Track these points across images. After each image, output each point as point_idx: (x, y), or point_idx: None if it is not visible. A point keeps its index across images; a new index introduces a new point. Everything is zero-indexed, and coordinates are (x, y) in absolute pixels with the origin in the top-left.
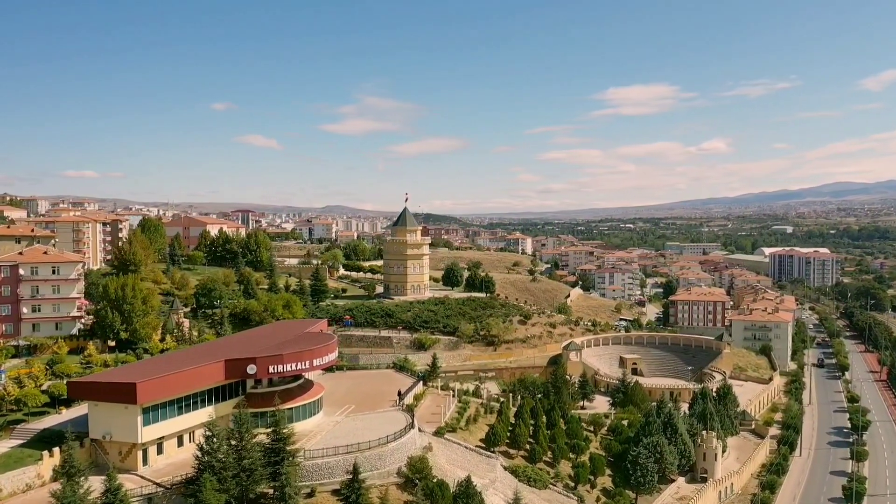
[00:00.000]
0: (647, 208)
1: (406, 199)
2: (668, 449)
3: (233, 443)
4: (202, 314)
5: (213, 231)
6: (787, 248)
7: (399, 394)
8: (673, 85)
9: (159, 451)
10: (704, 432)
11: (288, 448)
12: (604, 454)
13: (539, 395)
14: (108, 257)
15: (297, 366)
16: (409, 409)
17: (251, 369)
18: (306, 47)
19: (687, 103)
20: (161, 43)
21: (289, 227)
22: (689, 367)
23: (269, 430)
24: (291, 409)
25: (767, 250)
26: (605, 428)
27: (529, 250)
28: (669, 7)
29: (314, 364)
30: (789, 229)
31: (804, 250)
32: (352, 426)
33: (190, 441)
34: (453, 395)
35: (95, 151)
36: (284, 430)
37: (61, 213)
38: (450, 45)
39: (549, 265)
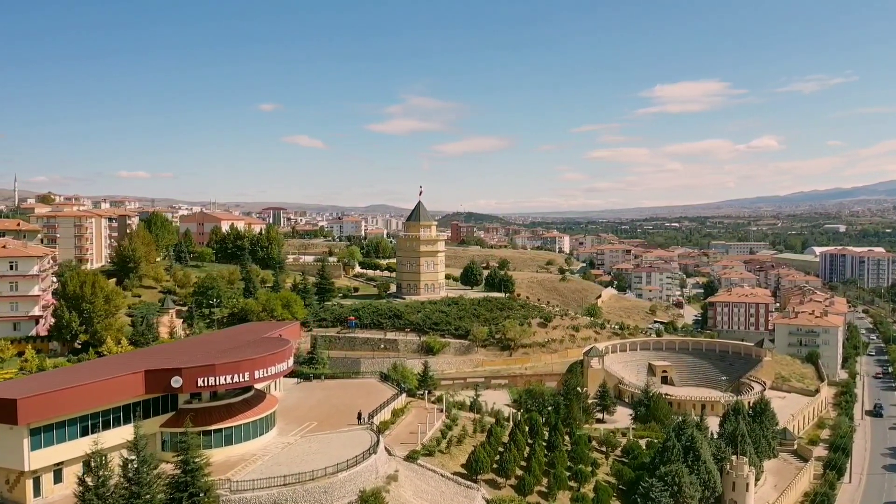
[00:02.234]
0: (695, 207)
1: (420, 193)
2: (688, 479)
3: (131, 475)
4: (200, 314)
5: (226, 227)
6: (840, 247)
7: (359, 416)
8: (723, 81)
9: (57, 480)
10: (734, 457)
11: (203, 479)
12: (614, 481)
13: (549, 408)
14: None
15: (233, 378)
16: (377, 429)
17: (176, 382)
18: (353, 48)
19: (737, 100)
20: (210, 44)
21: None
22: (724, 377)
23: (177, 457)
24: (231, 428)
25: (818, 249)
26: (620, 449)
27: (567, 249)
28: (719, 2)
29: (257, 376)
30: (842, 228)
31: (858, 249)
32: (305, 449)
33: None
34: (441, 410)
35: (147, 152)
36: (197, 459)
37: (63, 207)
38: (495, 46)
39: (584, 264)
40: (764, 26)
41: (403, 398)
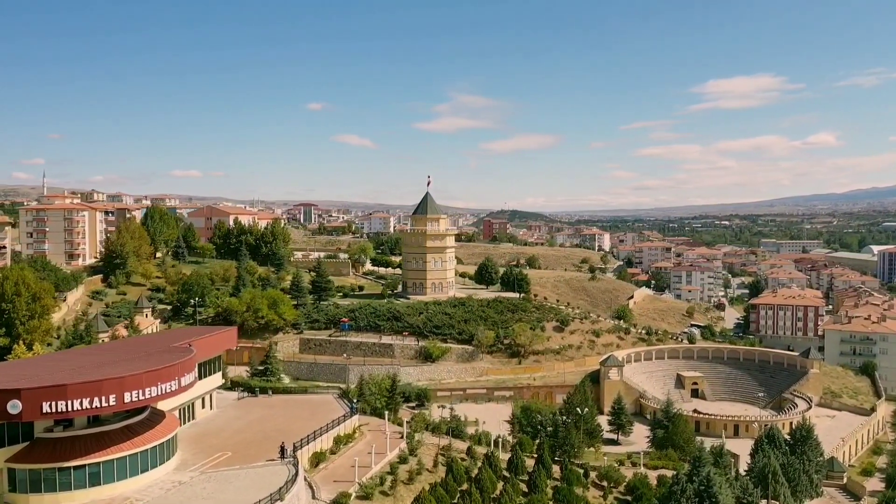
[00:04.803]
0: (747, 205)
1: (428, 184)
2: None
3: None
4: (185, 314)
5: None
6: None
7: (282, 450)
8: (779, 76)
9: None
10: (764, 502)
11: None
12: None
13: (549, 429)
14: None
15: (92, 402)
16: (296, 464)
17: (13, 407)
18: (401, 47)
19: (793, 95)
20: (258, 44)
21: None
22: (763, 391)
23: None
24: (99, 463)
25: (876, 248)
26: (624, 485)
27: (607, 246)
28: None
29: (128, 399)
30: None
31: None
32: (196, 491)
33: None
34: (402, 436)
35: (200, 152)
36: None
37: (55, 199)
38: (544, 46)
39: (621, 262)
40: (822, 18)
41: (355, 420)
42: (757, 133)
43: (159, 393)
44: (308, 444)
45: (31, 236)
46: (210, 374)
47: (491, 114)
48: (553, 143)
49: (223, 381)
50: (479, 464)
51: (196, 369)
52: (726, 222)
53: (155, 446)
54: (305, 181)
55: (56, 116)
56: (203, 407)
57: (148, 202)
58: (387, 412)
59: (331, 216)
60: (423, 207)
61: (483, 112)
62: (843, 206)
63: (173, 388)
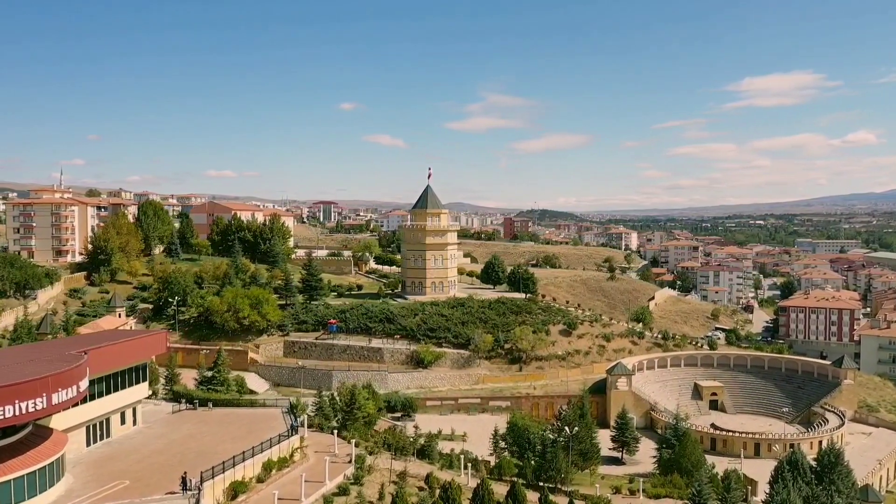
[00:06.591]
0: (783, 205)
1: (429, 176)
2: None
3: None
4: (167, 313)
5: (244, 218)
6: None
7: (183, 480)
8: (817, 73)
9: None
10: None
11: None
12: None
13: (538, 448)
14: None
15: None
16: (197, 499)
17: None
18: (434, 48)
19: (832, 92)
20: (292, 45)
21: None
22: (785, 408)
23: None
24: None
25: None
26: None
27: (634, 246)
28: None
29: None
30: None
31: None
32: None
33: None
34: (352, 458)
35: (234, 152)
36: None
37: (43, 193)
38: (577, 47)
39: (646, 262)
40: (861, 14)
41: (295, 440)
42: (794, 131)
43: (16, 413)
44: (227, 470)
45: (18, 232)
46: (131, 385)
47: (522, 113)
48: (584, 142)
49: (150, 391)
50: (437, 495)
51: (85, 381)
52: (761, 222)
53: (22, 476)
54: (337, 181)
55: (95, 117)
56: (123, 423)
57: (174, 201)
58: (335, 430)
59: (358, 215)
60: (423, 201)
61: (514, 112)
62: (883, 206)
63: (39, 408)
